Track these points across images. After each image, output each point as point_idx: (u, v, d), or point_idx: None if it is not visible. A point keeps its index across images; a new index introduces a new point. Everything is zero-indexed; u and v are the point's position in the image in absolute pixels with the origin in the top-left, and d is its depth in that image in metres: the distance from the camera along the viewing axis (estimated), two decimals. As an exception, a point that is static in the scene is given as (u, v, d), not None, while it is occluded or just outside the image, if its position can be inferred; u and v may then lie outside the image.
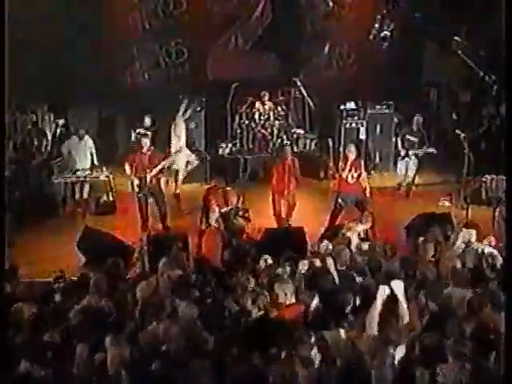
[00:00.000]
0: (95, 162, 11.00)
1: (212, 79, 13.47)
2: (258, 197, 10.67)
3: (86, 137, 10.98)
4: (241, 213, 9.13)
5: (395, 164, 12.45)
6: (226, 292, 6.25)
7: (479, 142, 12.21)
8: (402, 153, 11.64)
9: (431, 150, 11.56)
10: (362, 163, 9.71)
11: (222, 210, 8.96)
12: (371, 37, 11.05)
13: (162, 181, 10.43)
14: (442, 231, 8.10)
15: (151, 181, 9.79)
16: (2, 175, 7.07)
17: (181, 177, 11.16)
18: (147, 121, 11.58)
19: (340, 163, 9.59)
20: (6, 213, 7.19)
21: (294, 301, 5.83)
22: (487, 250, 7.13)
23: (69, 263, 8.17)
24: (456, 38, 11.37)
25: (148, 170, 9.72)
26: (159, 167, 9.84)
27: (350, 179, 9.41)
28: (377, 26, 10.82)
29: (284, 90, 13.09)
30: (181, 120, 11.52)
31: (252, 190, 11.39)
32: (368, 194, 9.56)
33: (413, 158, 11.55)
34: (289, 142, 12.62)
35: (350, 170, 9.38)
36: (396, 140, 12.23)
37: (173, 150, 11.08)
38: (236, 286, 6.28)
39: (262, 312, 5.64)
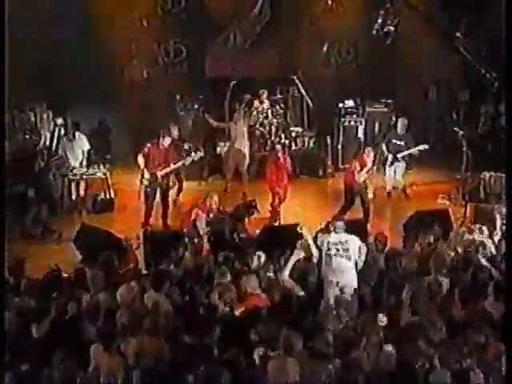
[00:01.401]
0: (89, 160, 10.98)
1: (210, 77, 13.45)
2: (256, 194, 10.66)
3: (78, 135, 10.92)
4: (254, 203, 9.27)
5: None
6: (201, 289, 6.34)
7: (478, 140, 12.20)
8: (390, 158, 11.18)
9: (422, 146, 11.00)
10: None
11: (211, 215, 8.87)
12: (374, 32, 10.92)
13: (171, 178, 10.41)
14: (440, 227, 8.15)
15: (162, 177, 9.76)
16: (2, 172, 7.12)
17: None
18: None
19: (356, 164, 9.79)
20: (5, 210, 7.25)
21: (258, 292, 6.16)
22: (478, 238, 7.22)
23: (66, 260, 8.17)
24: (457, 33, 11.31)
25: (160, 168, 9.67)
26: (175, 166, 9.82)
27: (360, 180, 9.73)
28: (380, 20, 10.67)
29: (282, 88, 13.04)
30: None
31: (250, 186, 11.43)
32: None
33: (401, 161, 11.13)
34: (287, 141, 12.62)
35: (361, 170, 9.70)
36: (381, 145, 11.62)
37: None
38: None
39: (227, 307, 5.81)
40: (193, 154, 10.07)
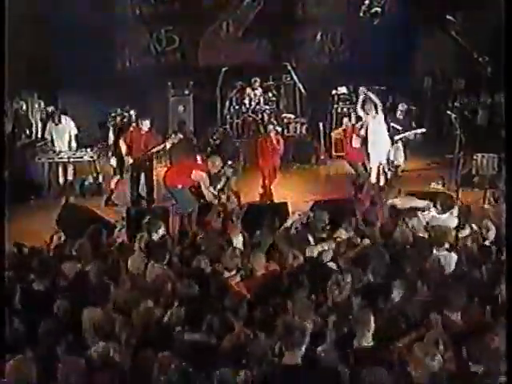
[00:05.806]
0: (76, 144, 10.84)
1: (203, 66, 13.38)
2: (249, 180, 10.58)
3: (65, 118, 10.83)
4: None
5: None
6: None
7: (472, 124, 12.08)
8: None
9: (420, 130, 10.96)
10: None
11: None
12: (361, 14, 10.86)
13: (155, 161, 10.37)
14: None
15: (144, 161, 9.72)
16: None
17: None
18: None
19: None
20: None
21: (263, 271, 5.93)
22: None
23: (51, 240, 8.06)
24: (449, 17, 11.23)
25: (141, 152, 9.63)
26: (156, 149, 9.76)
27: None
28: (367, 2, 10.61)
29: (275, 76, 12.97)
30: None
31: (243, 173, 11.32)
32: None
33: (400, 144, 11.00)
34: (280, 129, 12.50)
35: None
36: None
37: None
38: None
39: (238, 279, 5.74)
40: (172, 135, 9.88)
